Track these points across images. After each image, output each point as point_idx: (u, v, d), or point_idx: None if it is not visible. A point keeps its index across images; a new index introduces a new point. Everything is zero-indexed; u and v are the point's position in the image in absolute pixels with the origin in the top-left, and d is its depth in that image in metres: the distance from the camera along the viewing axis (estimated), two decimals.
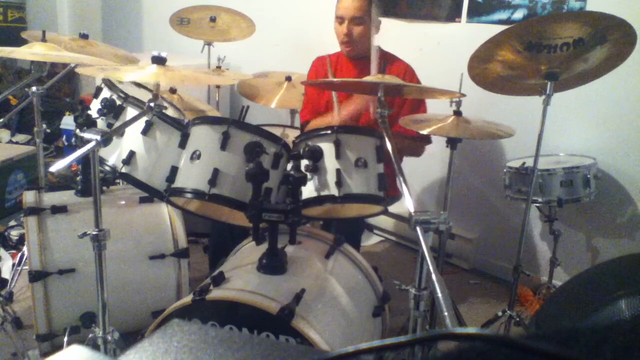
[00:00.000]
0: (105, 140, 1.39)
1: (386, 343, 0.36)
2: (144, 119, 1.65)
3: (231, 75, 3.00)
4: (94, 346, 1.51)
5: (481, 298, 2.66)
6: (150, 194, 1.74)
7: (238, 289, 1.46)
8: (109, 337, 1.52)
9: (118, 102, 1.74)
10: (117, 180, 2.20)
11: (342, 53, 2.47)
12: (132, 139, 1.69)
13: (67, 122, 3.95)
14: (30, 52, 1.83)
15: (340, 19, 2.27)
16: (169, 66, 1.58)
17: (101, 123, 1.74)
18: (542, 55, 1.74)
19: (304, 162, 1.57)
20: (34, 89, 2.16)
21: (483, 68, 1.85)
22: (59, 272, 1.82)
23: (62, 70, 2.69)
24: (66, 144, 3.90)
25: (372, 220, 3.17)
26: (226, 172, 1.53)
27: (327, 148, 1.58)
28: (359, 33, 2.27)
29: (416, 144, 2.40)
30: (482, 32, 1.96)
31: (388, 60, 2.35)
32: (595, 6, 2.29)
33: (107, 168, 1.70)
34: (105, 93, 1.79)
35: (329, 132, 1.59)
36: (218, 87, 3.28)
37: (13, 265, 2.46)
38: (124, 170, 1.68)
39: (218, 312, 1.42)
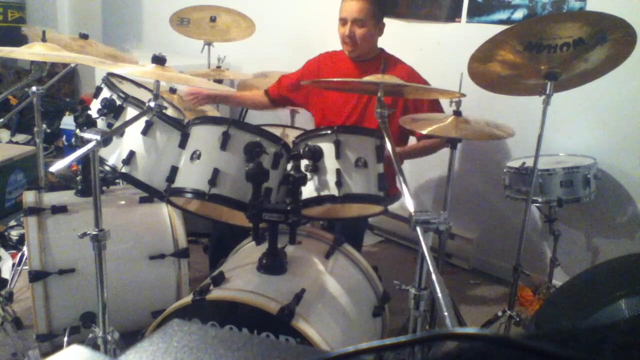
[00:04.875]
0: (105, 140, 1.39)
1: (386, 343, 0.36)
2: (144, 119, 1.65)
3: (230, 74, 3.01)
4: (94, 346, 1.51)
5: (481, 298, 2.66)
6: (150, 194, 1.74)
7: (238, 289, 1.46)
8: (109, 337, 1.52)
9: (118, 102, 1.74)
10: (117, 180, 2.20)
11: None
12: (132, 139, 1.69)
13: (67, 122, 3.95)
14: (30, 52, 1.83)
15: (343, 21, 2.29)
16: (168, 67, 1.59)
17: (101, 123, 1.74)
18: (542, 55, 1.74)
19: (304, 162, 1.57)
20: (34, 89, 2.15)
21: (483, 68, 1.85)
22: (59, 272, 1.82)
23: (62, 70, 2.69)
24: (66, 144, 3.90)
25: (372, 220, 3.17)
26: (226, 172, 1.53)
27: (327, 148, 1.58)
28: (361, 35, 2.27)
29: (438, 141, 2.39)
30: (482, 32, 1.96)
31: (390, 63, 2.36)
32: (595, 6, 2.29)
33: (107, 168, 1.70)
34: (105, 93, 1.79)
35: (329, 132, 1.59)
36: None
37: (13, 265, 2.46)
38: (124, 170, 1.68)
39: (218, 312, 1.42)
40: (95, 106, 1.78)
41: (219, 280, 1.49)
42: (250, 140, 1.53)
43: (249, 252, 1.78)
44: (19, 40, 2.34)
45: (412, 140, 2.47)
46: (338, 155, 1.56)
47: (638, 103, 2.34)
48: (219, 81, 2.92)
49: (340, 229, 2.10)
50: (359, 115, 2.35)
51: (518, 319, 2.04)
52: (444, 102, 2.64)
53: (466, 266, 2.93)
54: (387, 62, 2.34)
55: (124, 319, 1.88)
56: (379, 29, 2.35)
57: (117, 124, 1.72)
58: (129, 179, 1.69)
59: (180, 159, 1.64)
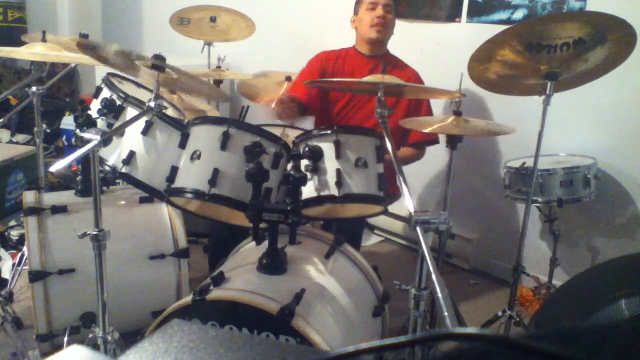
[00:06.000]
0: (105, 140, 1.39)
1: (386, 343, 0.36)
2: (144, 119, 1.65)
3: (230, 74, 3.00)
4: (94, 346, 1.51)
5: (481, 298, 2.66)
6: (150, 194, 1.74)
7: (238, 289, 1.46)
8: (109, 337, 1.52)
9: (118, 102, 1.74)
10: (117, 180, 2.20)
11: (350, 49, 2.46)
12: (132, 139, 1.69)
13: (67, 122, 3.95)
14: (30, 52, 1.83)
15: (373, 4, 2.31)
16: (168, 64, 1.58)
17: (101, 123, 1.74)
18: (542, 55, 1.74)
19: (304, 162, 1.57)
20: (34, 89, 2.16)
21: (483, 68, 1.85)
22: (59, 272, 1.82)
23: (62, 70, 2.69)
24: (66, 144, 3.90)
25: (372, 220, 3.17)
26: (226, 172, 1.53)
27: (327, 148, 1.57)
28: (390, 20, 2.33)
29: (420, 151, 2.43)
30: (482, 32, 1.96)
31: (397, 67, 2.37)
32: (595, 6, 2.28)
33: (107, 168, 1.70)
34: (105, 93, 1.79)
35: (329, 132, 1.59)
36: (218, 85, 3.27)
37: (13, 265, 2.46)
38: (124, 170, 1.68)
39: (218, 312, 1.42)
40: (95, 106, 1.78)
41: (219, 280, 1.49)
42: (250, 140, 1.53)
43: (249, 252, 1.78)
44: (19, 40, 2.34)
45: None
46: (338, 155, 1.56)
47: (638, 103, 2.34)
48: (219, 81, 2.91)
49: (337, 229, 2.11)
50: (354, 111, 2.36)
51: (518, 319, 2.04)
52: (444, 102, 2.64)
53: (466, 266, 2.93)
54: (394, 64, 2.36)
55: (124, 319, 1.88)
56: (394, 24, 2.38)
57: (117, 124, 1.72)
58: (129, 179, 1.69)
59: (180, 159, 1.64)
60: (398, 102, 2.29)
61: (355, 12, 2.39)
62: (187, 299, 1.43)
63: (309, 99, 2.36)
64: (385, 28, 2.32)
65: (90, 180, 1.44)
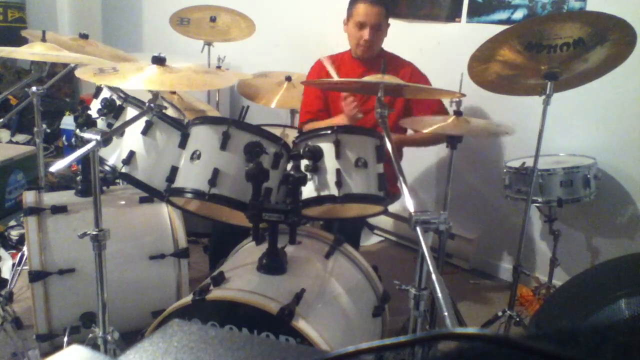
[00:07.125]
0: (105, 140, 1.39)
1: (386, 343, 0.36)
2: (144, 119, 1.65)
3: (231, 75, 3.00)
4: (94, 346, 1.51)
5: (481, 298, 2.66)
6: (150, 194, 1.74)
7: (238, 289, 1.46)
8: (109, 337, 1.53)
9: (118, 102, 1.74)
10: (117, 180, 2.20)
11: (346, 53, 2.46)
12: (132, 139, 1.69)
13: (67, 122, 3.95)
14: (30, 52, 1.83)
15: (360, 25, 2.27)
16: (168, 66, 1.58)
17: (101, 123, 1.74)
18: (542, 55, 1.74)
19: (304, 162, 1.57)
20: (34, 89, 2.15)
21: (483, 68, 1.85)
22: (59, 272, 1.82)
23: (62, 70, 2.69)
24: (66, 144, 3.90)
25: (372, 220, 3.17)
26: (226, 172, 1.53)
27: (327, 148, 1.57)
28: (378, 39, 2.32)
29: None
30: (482, 32, 1.96)
31: (393, 64, 2.37)
32: (595, 6, 2.29)
33: (107, 168, 1.70)
34: (105, 93, 1.79)
35: (329, 132, 1.59)
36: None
37: (13, 265, 2.46)
38: (124, 170, 1.68)
39: (218, 312, 1.42)
40: (95, 106, 1.78)
41: (219, 280, 1.49)
42: (250, 140, 1.53)
43: (249, 252, 1.78)
44: (19, 40, 2.34)
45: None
46: (338, 155, 1.56)
47: (638, 103, 2.34)
48: None
49: (338, 229, 2.11)
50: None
51: (518, 319, 2.04)
52: (444, 102, 2.64)
53: (466, 266, 2.93)
54: (390, 62, 2.36)
55: (124, 319, 1.88)
56: (387, 30, 2.37)
57: (117, 124, 1.72)
58: (129, 179, 1.69)
59: (180, 159, 1.64)
60: (395, 101, 2.29)
61: (348, 17, 2.34)
62: (187, 299, 1.43)
63: (325, 105, 2.42)
64: (370, 49, 2.31)
65: (90, 180, 1.44)
